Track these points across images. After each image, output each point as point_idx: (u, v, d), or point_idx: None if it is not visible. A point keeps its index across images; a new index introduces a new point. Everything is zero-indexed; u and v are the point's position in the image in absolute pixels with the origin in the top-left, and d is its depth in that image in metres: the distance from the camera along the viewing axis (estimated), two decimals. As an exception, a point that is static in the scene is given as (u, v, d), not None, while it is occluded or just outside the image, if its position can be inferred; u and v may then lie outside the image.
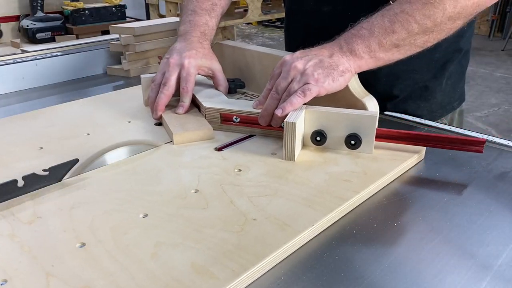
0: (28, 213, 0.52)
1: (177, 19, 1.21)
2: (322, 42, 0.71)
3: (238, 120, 0.72)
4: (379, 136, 0.65)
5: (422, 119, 0.83)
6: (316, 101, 0.67)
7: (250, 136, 0.72)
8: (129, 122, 0.78)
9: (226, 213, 0.52)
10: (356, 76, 0.72)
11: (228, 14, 2.93)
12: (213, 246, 0.46)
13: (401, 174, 0.63)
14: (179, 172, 0.61)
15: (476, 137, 0.68)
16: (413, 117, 0.84)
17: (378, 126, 0.65)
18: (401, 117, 0.84)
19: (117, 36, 1.16)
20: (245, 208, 0.53)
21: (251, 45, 0.94)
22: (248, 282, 0.43)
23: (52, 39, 1.51)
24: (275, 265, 0.45)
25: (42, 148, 0.69)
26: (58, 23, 1.55)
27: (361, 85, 0.73)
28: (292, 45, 1.02)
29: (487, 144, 0.72)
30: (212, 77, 0.84)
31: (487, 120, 3.24)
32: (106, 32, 1.56)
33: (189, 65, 0.78)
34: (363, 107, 0.70)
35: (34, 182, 0.56)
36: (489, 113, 3.37)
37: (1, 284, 0.42)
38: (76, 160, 0.59)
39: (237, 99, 0.88)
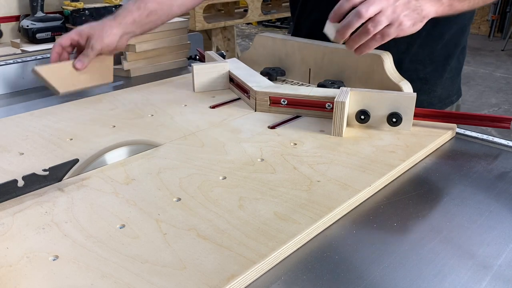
0: (122, 176, 0.60)
1: (180, 19, 1.22)
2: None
3: (286, 102, 0.80)
4: (416, 115, 0.72)
5: None
6: (356, 84, 0.76)
7: (297, 116, 0.80)
8: (185, 105, 0.87)
9: (293, 177, 0.60)
10: (392, 63, 0.79)
11: (228, 14, 2.93)
12: (288, 200, 0.54)
13: (435, 150, 0.70)
14: (242, 146, 0.69)
15: (503, 115, 0.73)
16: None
17: None
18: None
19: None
20: (308, 173, 0.61)
21: (291, 36, 1.02)
22: (321, 229, 0.50)
23: (52, 39, 1.51)
24: (275, 265, 0.46)
25: (114, 126, 0.77)
26: (58, 23, 1.55)
27: (397, 71, 0.80)
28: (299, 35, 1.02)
29: (487, 144, 0.72)
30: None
31: (487, 120, 3.24)
32: (106, 32, 1.56)
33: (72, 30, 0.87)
34: (399, 89, 0.77)
35: (34, 182, 0.56)
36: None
37: (120, 228, 0.49)
38: (76, 160, 0.59)
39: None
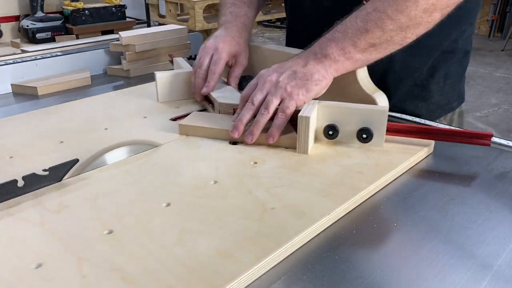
0: (55, 202, 0.54)
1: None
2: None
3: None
4: (389, 130, 0.67)
5: (422, 119, 0.83)
6: (327, 97, 0.68)
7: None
8: (145, 117, 0.80)
9: (245, 203, 0.54)
10: (366, 72, 0.73)
11: (228, 14, 2.93)
12: (235, 232, 0.48)
13: (410, 168, 0.64)
14: (197, 165, 0.63)
15: (484, 131, 0.68)
16: (413, 117, 0.84)
17: None
18: (401, 117, 0.84)
19: (117, 36, 1.16)
20: (263, 198, 0.55)
21: (264, 43, 0.97)
22: (268, 268, 0.45)
23: (52, 39, 1.51)
24: (275, 265, 0.45)
25: (62, 142, 0.71)
26: (58, 23, 1.55)
27: (371, 81, 0.74)
28: (293, 42, 1.02)
29: (487, 144, 0.72)
30: (231, 66, 0.86)
31: (487, 120, 3.24)
32: (106, 32, 1.56)
33: (222, 50, 0.81)
34: (373, 102, 0.71)
35: (34, 182, 0.56)
36: (489, 113, 3.37)
37: (36, 268, 0.43)
38: (76, 160, 0.59)
39: None
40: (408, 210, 0.55)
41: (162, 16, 3.65)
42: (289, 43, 1.04)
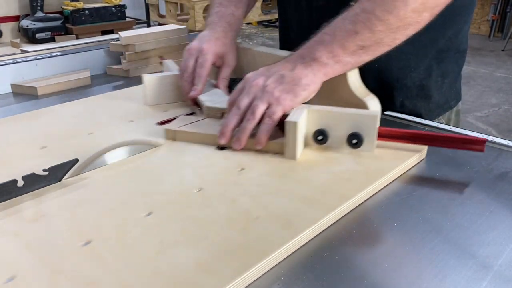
0: (31, 212, 0.52)
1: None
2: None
3: None
4: (380, 135, 0.65)
5: (422, 119, 0.83)
6: (317, 100, 0.67)
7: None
8: (131, 121, 0.78)
9: (229, 212, 0.52)
10: (358, 75, 0.72)
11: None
12: (217, 244, 0.47)
13: (403, 173, 0.63)
14: (181, 172, 0.61)
15: (477, 137, 0.67)
16: (412, 117, 0.83)
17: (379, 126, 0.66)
18: (401, 117, 0.84)
19: (117, 36, 1.16)
20: (248, 206, 0.53)
21: (253, 45, 0.95)
22: (250, 281, 0.43)
23: (52, 39, 1.51)
24: (275, 265, 0.45)
25: (45, 147, 0.69)
26: (58, 23, 1.55)
27: (363, 85, 0.73)
28: (286, 42, 1.01)
29: (488, 144, 0.72)
30: (219, 67, 0.85)
31: (487, 120, 3.24)
32: (106, 32, 1.56)
33: (207, 51, 0.80)
34: (364, 106, 0.70)
35: (34, 182, 0.56)
36: (489, 113, 3.37)
37: (7, 281, 0.42)
38: (76, 160, 0.59)
39: None
40: (408, 210, 0.55)
41: (162, 16, 3.65)
42: (282, 44, 1.04)
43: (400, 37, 0.66)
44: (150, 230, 0.49)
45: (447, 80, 0.91)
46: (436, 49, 0.86)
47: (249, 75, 0.68)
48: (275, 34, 6.10)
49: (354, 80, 0.71)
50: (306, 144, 0.67)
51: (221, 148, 0.67)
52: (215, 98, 0.78)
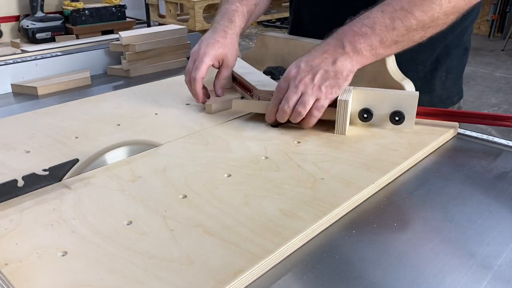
0: (128, 174, 0.61)
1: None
2: (331, 29, 0.73)
3: None
4: (418, 114, 0.73)
5: None
6: (358, 83, 0.74)
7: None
8: (187, 104, 0.86)
9: (297, 174, 0.60)
10: (394, 62, 0.79)
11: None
12: (293, 197, 0.55)
13: (436, 149, 0.70)
14: (246, 144, 0.69)
15: (505, 114, 0.72)
16: None
17: None
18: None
19: (117, 36, 1.16)
20: (312, 170, 0.61)
21: (293, 36, 1.00)
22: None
23: (52, 39, 1.51)
24: (275, 265, 0.46)
25: (119, 125, 0.77)
26: (58, 23, 1.55)
27: (399, 69, 0.80)
28: (300, 31, 1.02)
29: (488, 144, 0.72)
30: (218, 68, 0.86)
31: (487, 120, 3.23)
32: (106, 32, 1.56)
33: (204, 54, 0.82)
34: (401, 88, 0.78)
35: (34, 182, 0.56)
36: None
37: (128, 224, 0.50)
38: (76, 160, 0.59)
39: None
40: (408, 210, 0.55)
41: (162, 16, 3.65)
42: (294, 28, 1.05)
43: (427, 36, 0.71)
44: (234, 187, 0.57)
45: (450, 76, 0.92)
46: (444, 44, 0.88)
47: (293, 72, 0.71)
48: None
49: (392, 66, 0.80)
50: (351, 123, 0.75)
51: (275, 125, 0.75)
52: (265, 82, 0.83)
